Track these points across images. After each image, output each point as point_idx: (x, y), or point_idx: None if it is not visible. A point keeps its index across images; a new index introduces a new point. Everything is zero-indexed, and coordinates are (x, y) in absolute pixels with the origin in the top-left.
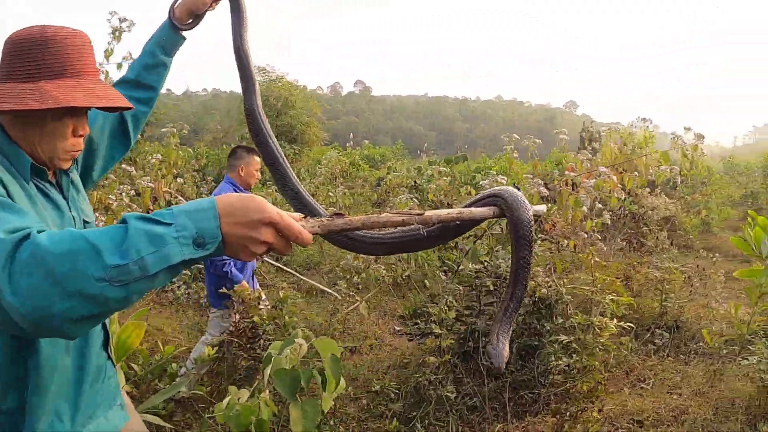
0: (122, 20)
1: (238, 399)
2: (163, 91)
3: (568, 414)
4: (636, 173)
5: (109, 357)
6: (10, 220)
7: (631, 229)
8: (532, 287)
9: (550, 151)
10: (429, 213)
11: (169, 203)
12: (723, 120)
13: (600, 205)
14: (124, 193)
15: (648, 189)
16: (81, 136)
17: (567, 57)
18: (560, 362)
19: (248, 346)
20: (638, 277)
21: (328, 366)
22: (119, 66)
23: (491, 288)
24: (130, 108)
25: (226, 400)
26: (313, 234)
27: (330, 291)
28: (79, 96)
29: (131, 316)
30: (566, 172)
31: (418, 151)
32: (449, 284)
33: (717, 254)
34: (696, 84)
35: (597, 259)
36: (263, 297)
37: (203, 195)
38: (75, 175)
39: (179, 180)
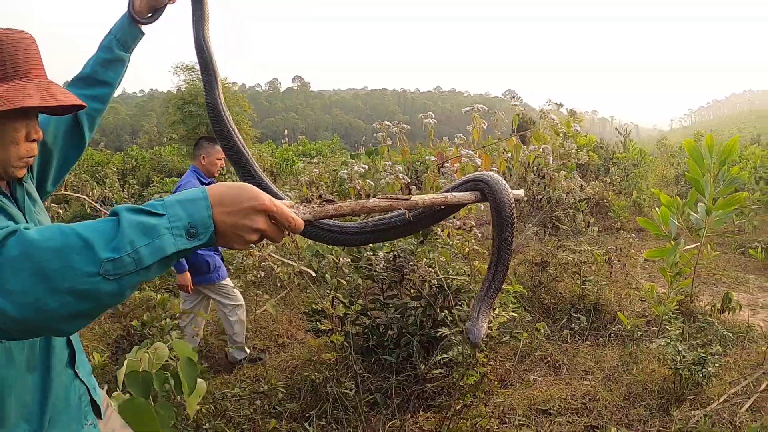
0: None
1: None
2: None
3: (451, 410)
4: (544, 152)
5: (77, 375)
6: None
7: (546, 213)
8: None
9: (486, 139)
10: (415, 198)
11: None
12: (659, 103)
13: None
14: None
15: (578, 172)
16: (35, 140)
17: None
18: (446, 356)
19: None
20: (554, 261)
21: (182, 369)
22: None
23: (392, 281)
24: (83, 107)
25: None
26: (304, 220)
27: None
28: (32, 97)
29: None
30: (427, 157)
31: (356, 145)
32: (350, 276)
33: (646, 235)
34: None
35: (476, 247)
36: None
37: (126, 200)
38: (30, 186)
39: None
